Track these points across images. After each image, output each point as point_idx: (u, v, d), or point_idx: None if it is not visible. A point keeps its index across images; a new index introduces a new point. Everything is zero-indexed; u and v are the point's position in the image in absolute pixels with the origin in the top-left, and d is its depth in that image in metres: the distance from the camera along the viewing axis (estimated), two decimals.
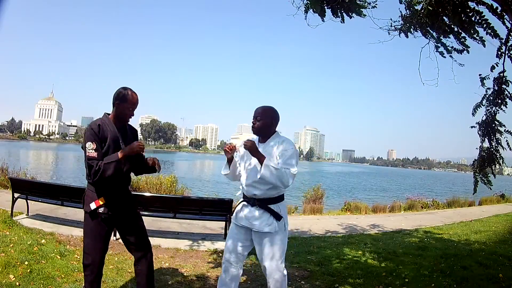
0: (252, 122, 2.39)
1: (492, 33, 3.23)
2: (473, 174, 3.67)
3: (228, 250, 2.39)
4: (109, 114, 2.32)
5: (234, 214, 2.45)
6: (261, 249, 2.31)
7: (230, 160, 2.47)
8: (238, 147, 2.44)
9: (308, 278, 3.53)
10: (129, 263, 3.55)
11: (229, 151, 2.41)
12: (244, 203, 2.39)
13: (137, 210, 2.51)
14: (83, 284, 2.33)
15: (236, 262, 2.38)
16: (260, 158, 2.24)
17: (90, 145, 2.13)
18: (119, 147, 2.24)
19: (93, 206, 2.22)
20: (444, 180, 57.56)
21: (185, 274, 3.45)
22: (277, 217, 2.28)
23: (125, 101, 2.25)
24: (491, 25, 3.19)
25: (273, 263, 2.27)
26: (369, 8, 3.35)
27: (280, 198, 2.35)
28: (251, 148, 2.26)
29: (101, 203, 2.22)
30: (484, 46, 3.32)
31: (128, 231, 2.39)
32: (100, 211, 2.23)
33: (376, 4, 3.35)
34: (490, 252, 4.83)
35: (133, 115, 2.32)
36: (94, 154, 2.14)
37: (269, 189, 2.29)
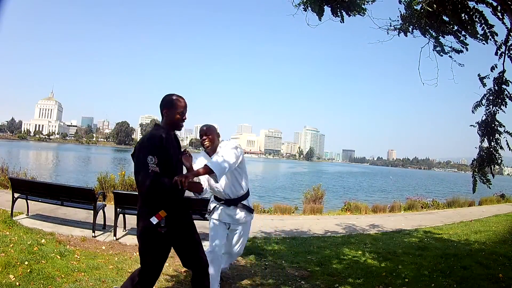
0: (203, 143, 2.74)
1: (491, 33, 3.23)
2: (472, 174, 3.67)
3: (217, 244, 2.75)
4: (159, 125, 2.21)
5: (213, 213, 2.85)
6: (236, 237, 2.91)
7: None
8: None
9: (308, 278, 3.53)
10: (129, 263, 3.55)
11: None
12: (220, 203, 2.83)
13: (193, 220, 2.35)
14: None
15: (220, 250, 2.78)
16: (201, 171, 2.25)
17: (151, 159, 1.99)
18: (178, 159, 2.21)
19: (154, 220, 2.03)
20: (445, 180, 57.42)
21: (185, 274, 3.45)
22: (250, 210, 2.88)
23: (173, 107, 2.16)
24: (490, 24, 3.19)
25: (243, 245, 3.02)
26: (368, 5, 3.35)
27: (247, 194, 2.88)
28: (190, 175, 2.18)
29: (162, 216, 2.05)
30: (487, 42, 3.32)
31: (187, 247, 2.24)
32: (161, 225, 2.05)
33: (374, 2, 3.35)
34: (490, 252, 4.83)
35: (184, 120, 2.22)
36: (157, 169, 2.00)
37: (238, 189, 2.79)
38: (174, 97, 2.19)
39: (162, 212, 2.06)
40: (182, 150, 2.34)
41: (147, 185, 2.00)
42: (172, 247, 2.21)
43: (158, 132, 2.13)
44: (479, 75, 3.49)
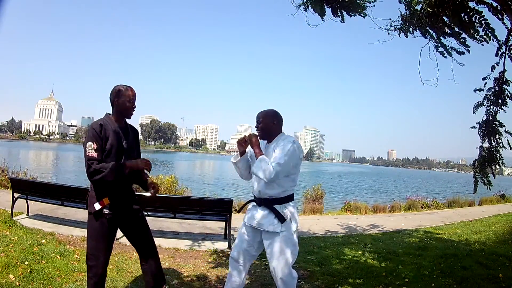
0: (256, 127, 2.46)
1: (491, 34, 3.23)
2: (473, 174, 3.67)
3: (236, 248, 2.43)
4: (110, 115, 2.31)
5: (245, 214, 2.49)
6: (268, 249, 2.31)
7: (242, 154, 2.50)
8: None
9: (308, 278, 3.53)
10: (129, 263, 3.55)
11: (242, 145, 2.46)
12: (253, 203, 2.45)
13: (141, 209, 2.48)
14: (86, 286, 2.30)
15: (244, 261, 2.40)
16: (257, 153, 2.29)
17: (90, 145, 2.11)
18: (122, 146, 2.24)
19: (97, 206, 2.18)
20: (446, 181, 57.27)
21: (185, 274, 3.45)
22: (281, 218, 2.27)
23: (121, 96, 2.26)
24: (490, 26, 3.19)
25: (280, 263, 2.26)
26: (369, 7, 3.35)
27: (286, 199, 2.33)
28: (252, 140, 2.35)
29: (106, 203, 2.19)
30: (488, 42, 3.32)
31: (133, 231, 2.39)
32: (105, 212, 2.20)
33: (375, 3, 3.34)
34: (490, 252, 4.83)
35: (134, 108, 2.31)
36: (94, 154, 2.11)
37: (272, 189, 2.30)
38: (124, 87, 2.29)
39: (106, 199, 2.19)
40: (142, 159, 2.33)
41: (86, 169, 2.12)
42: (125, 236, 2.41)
43: (99, 120, 2.25)
44: (483, 78, 3.49)
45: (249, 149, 2.47)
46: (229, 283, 2.42)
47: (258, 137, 2.41)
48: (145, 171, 2.41)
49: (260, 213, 2.33)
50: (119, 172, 2.16)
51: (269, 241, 2.29)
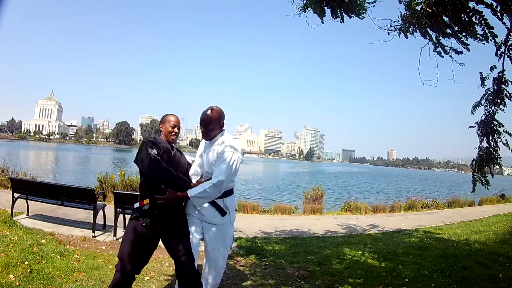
0: (202, 132, 2.53)
1: (491, 34, 3.23)
2: (472, 174, 3.69)
3: None
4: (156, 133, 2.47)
5: (186, 206, 2.48)
6: (208, 240, 2.46)
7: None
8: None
9: (308, 278, 3.53)
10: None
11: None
12: None
13: (187, 225, 2.44)
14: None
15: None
16: (183, 196, 2.29)
17: (152, 151, 2.28)
18: (170, 159, 2.40)
19: (136, 205, 2.28)
20: (447, 181, 57.19)
21: None
22: (222, 212, 2.43)
23: (165, 122, 2.52)
24: (490, 25, 3.20)
25: (215, 253, 2.46)
26: (368, 8, 3.35)
27: (227, 193, 2.45)
28: (169, 202, 2.28)
29: (145, 203, 2.25)
30: (487, 42, 3.32)
31: (172, 242, 2.31)
32: (140, 220, 2.23)
33: (374, 3, 3.34)
34: (490, 252, 4.83)
35: (177, 134, 2.55)
36: (155, 151, 2.28)
37: None
38: (168, 116, 2.56)
39: (146, 200, 2.25)
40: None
41: (147, 164, 2.26)
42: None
43: (153, 135, 2.51)
44: (481, 73, 3.50)
45: (196, 159, 2.61)
46: None
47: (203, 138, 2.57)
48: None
49: (202, 206, 2.41)
50: (170, 178, 2.29)
51: (209, 232, 2.45)
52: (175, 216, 2.34)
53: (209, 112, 2.45)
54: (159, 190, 2.26)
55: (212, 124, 2.45)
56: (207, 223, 2.44)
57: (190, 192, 2.28)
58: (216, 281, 2.51)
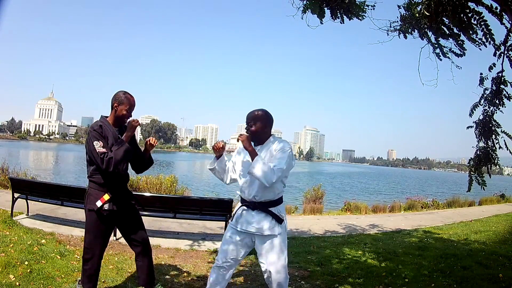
0: (246, 128, 2.38)
1: (489, 37, 3.23)
2: (468, 173, 3.69)
3: (224, 255, 2.33)
4: (106, 117, 2.47)
5: (233, 219, 2.37)
6: (264, 253, 2.26)
7: (218, 157, 2.51)
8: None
9: (308, 278, 3.54)
10: (129, 263, 3.55)
11: (217, 150, 2.47)
12: (244, 207, 2.34)
13: (136, 206, 2.64)
14: (79, 278, 2.50)
15: (230, 267, 2.34)
16: (253, 154, 2.22)
17: (97, 144, 2.28)
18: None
19: (99, 203, 2.34)
20: (448, 181, 57.07)
21: (185, 274, 3.45)
22: (279, 220, 2.26)
23: (122, 103, 2.41)
24: (489, 28, 3.20)
25: (277, 265, 2.24)
26: (368, 9, 3.34)
27: (279, 201, 2.33)
28: (244, 141, 2.25)
29: (106, 199, 2.35)
30: (486, 46, 3.33)
31: (129, 227, 2.55)
32: (105, 208, 2.35)
33: (374, 5, 3.34)
34: (490, 252, 4.83)
35: (130, 117, 2.46)
36: (103, 150, 2.27)
37: (267, 192, 2.26)
38: (126, 95, 2.43)
39: (106, 196, 2.36)
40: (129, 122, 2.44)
41: (100, 163, 2.26)
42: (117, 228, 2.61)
43: (97, 122, 2.42)
44: (481, 74, 3.49)
45: (235, 148, 2.53)
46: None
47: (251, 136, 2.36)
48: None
49: (255, 217, 2.26)
50: (125, 150, 2.32)
51: (264, 244, 2.25)
52: (129, 200, 2.54)
53: (260, 112, 2.37)
54: (114, 179, 2.38)
55: (267, 126, 2.37)
56: (263, 235, 2.25)
57: (259, 157, 2.19)
58: None
